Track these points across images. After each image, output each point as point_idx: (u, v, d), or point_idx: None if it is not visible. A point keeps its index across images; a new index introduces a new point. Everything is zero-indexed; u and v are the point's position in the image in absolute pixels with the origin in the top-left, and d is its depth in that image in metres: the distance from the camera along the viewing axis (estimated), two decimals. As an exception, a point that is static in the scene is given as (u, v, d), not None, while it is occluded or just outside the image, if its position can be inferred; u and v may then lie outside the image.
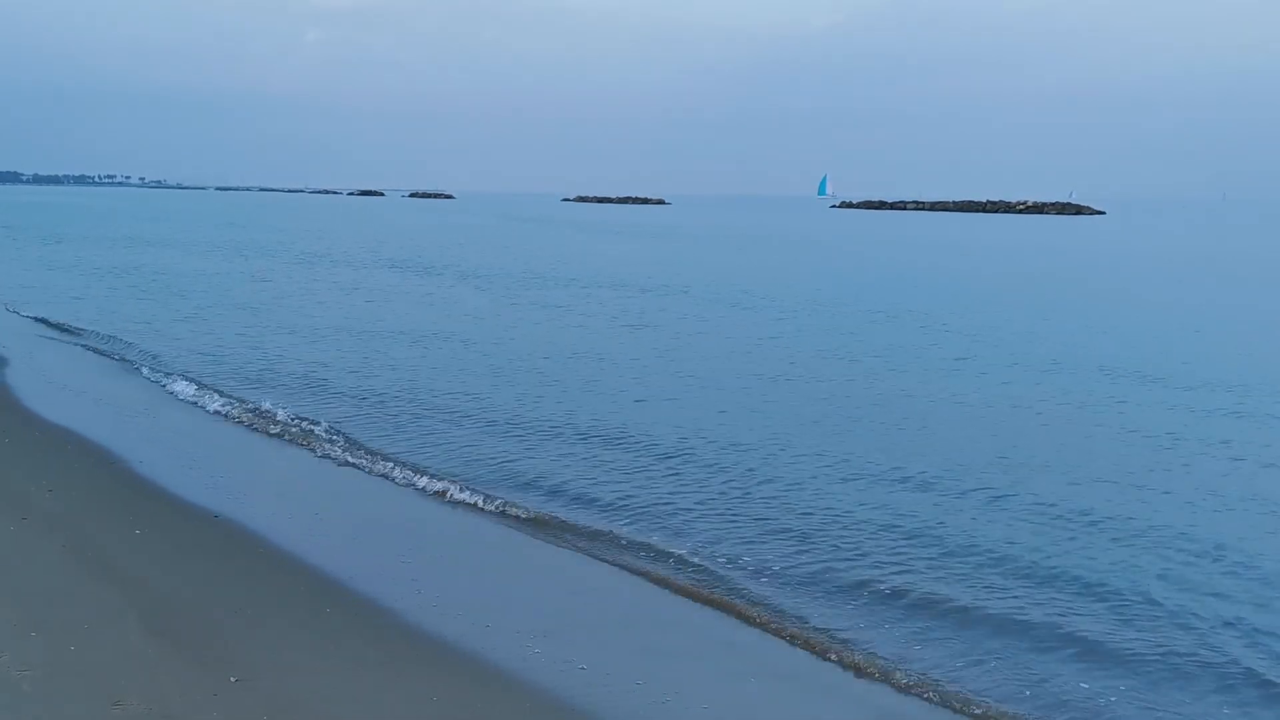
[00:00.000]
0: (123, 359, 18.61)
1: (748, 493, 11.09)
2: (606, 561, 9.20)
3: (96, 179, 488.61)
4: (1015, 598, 8.52)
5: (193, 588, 7.99)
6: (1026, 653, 7.58)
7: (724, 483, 11.43)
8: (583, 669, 7.15)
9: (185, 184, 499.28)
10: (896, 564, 9.16)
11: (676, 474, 11.75)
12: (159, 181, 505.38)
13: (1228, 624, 8.04)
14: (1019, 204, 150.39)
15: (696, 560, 9.15)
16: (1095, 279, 40.16)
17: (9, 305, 25.89)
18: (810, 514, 10.41)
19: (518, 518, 10.21)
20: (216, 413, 14.48)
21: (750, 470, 11.91)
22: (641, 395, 16.03)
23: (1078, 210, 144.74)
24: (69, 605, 7.27)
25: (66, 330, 21.93)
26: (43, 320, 23.39)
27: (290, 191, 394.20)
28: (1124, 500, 11.02)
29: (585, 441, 13.01)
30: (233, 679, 6.39)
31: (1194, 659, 7.50)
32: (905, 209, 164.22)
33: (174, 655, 6.66)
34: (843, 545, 9.57)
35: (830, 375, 18.17)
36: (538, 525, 10.03)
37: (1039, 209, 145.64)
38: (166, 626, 7.12)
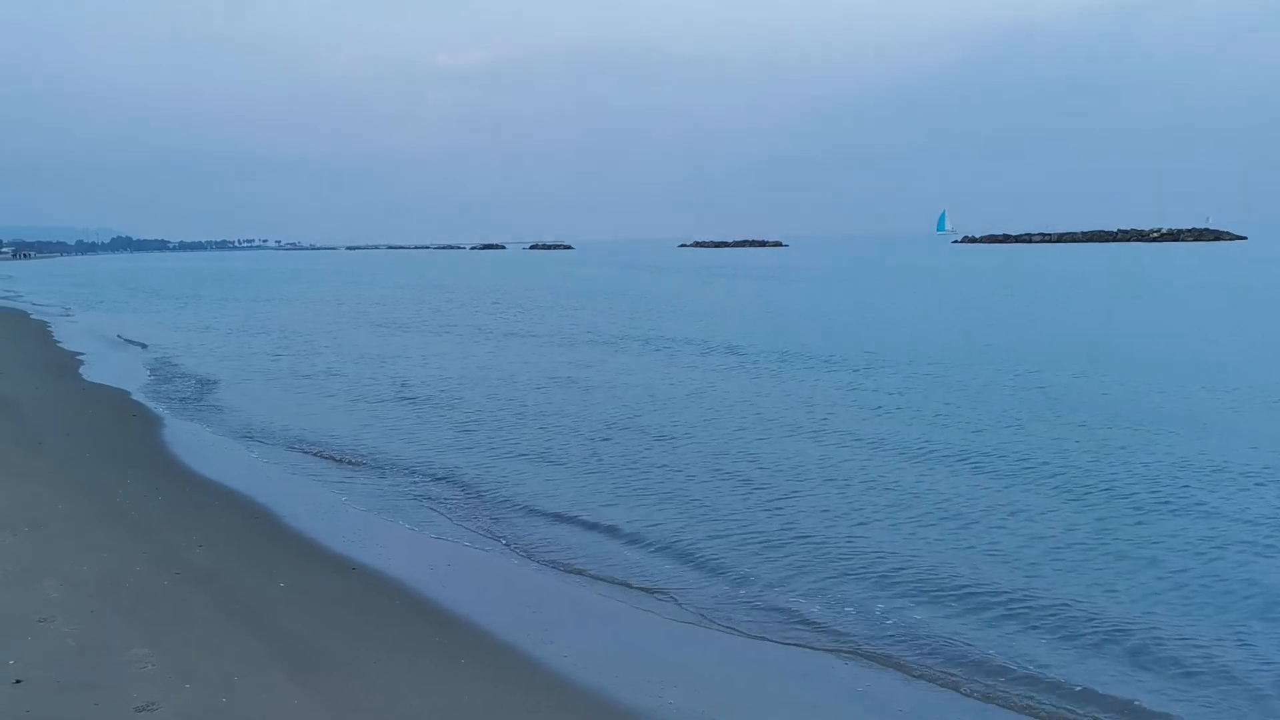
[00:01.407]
0: (261, 415, 19.46)
1: (875, 551, 10.79)
2: (711, 624, 9.10)
3: (237, 244, 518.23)
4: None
5: (335, 638, 8.24)
6: None
7: (857, 548, 11.18)
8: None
9: (318, 245, 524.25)
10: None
11: (803, 534, 11.54)
12: (294, 244, 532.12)
13: None
14: (1152, 232, 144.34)
15: (818, 613, 9.01)
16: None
17: (161, 365, 27.48)
18: (939, 567, 10.10)
19: (642, 584, 10.09)
20: (351, 465, 15.00)
21: (888, 526, 11.66)
22: (765, 462, 15.70)
23: (1216, 236, 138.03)
24: (219, 658, 7.57)
25: (211, 385, 23.12)
26: (191, 377, 24.76)
27: (416, 248, 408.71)
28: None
29: (705, 506, 12.68)
30: (374, 730, 6.54)
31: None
32: (1031, 241, 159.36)
33: (319, 705, 6.85)
34: (987, 601, 9.26)
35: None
36: (660, 591, 9.86)
37: (1174, 236, 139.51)
38: (311, 677, 7.34)
